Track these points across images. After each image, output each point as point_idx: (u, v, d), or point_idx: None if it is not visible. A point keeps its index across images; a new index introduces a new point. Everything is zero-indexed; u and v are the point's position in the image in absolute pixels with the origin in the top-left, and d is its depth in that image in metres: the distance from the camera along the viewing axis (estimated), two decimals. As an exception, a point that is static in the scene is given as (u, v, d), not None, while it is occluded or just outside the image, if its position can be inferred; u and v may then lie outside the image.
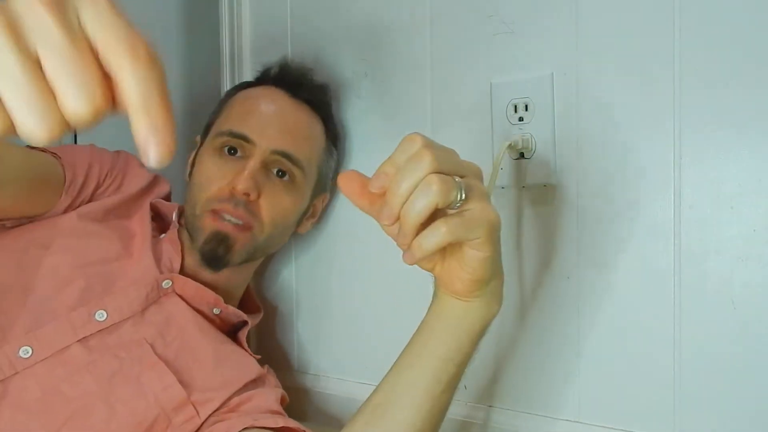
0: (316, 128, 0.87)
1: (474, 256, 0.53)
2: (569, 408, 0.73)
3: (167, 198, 0.91)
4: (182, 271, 0.82)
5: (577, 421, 0.72)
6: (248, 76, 1.05)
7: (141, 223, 0.85)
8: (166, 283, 0.79)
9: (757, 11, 0.61)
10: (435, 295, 0.61)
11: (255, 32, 1.05)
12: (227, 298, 0.85)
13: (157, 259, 0.81)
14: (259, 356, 0.86)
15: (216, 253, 0.80)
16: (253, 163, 0.80)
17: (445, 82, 0.82)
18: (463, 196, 0.49)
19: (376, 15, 0.89)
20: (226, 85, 1.05)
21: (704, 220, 0.64)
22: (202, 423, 0.74)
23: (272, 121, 0.84)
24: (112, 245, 0.80)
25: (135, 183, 0.87)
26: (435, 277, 0.59)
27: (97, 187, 0.83)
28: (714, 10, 0.63)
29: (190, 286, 0.81)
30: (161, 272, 0.80)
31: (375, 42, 0.89)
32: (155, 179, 0.90)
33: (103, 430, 0.69)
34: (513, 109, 0.75)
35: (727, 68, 0.62)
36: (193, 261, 0.83)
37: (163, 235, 0.86)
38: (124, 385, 0.72)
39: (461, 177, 0.50)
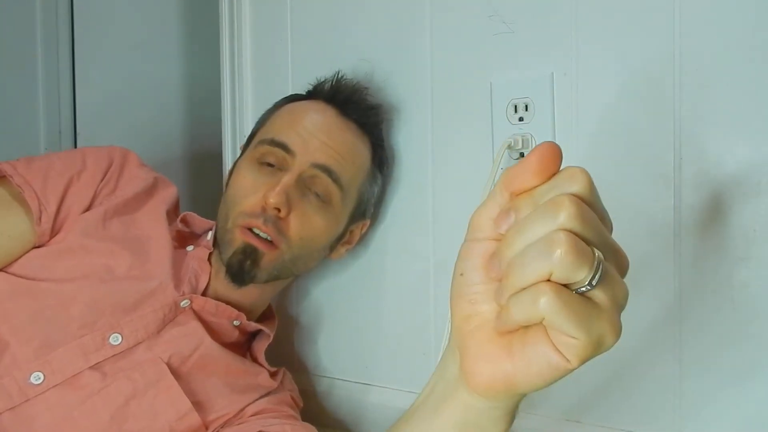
0: (362, 150, 0.83)
1: (547, 357, 0.36)
2: (570, 408, 0.73)
3: (176, 204, 0.88)
4: (206, 292, 0.80)
5: (578, 421, 0.72)
6: (248, 76, 1.05)
7: (155, 225, 0.82)
8: (184, 303, 0.77)
9: (757, 11, 0.61)
10: (456, 387, 0.41)
11: (255, 33, 1.05)
12: (249, 316, 0.83)
13: (177, 275, 0.79)
14: (274, 369, 0.84)
15: (243, 267, 0.77)
16: (288, 178, 0.76)
17: (445, 82, 0.82)
18: (596, 282, 0.34)
19: (376, 15, 0.89)
20: (227, 85, 1.05)
21: (704, 220, 0.64)
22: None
23: (316, 134, 0.79)
24: (121, 260, 0.77)
25: (132, 185, 0.83)
26: (458, 351, 0.41)
27: (95, 197, 0.80)
28: (714, 10, 0.63)
29: (210, 305, 0.79)
30: (181, 290, 0.78)
31: (375, 42, 0.89)
32: (156, 181, 0.86)
33: None
34: (513, 109, 0.75)
35: (727, 68, 0.62)
36: (220, 284, 0.80)
37: (189, 247, 0.84)
38: (137, 413, 0.70)
39: (602, 255, 0.35)
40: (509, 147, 0.73)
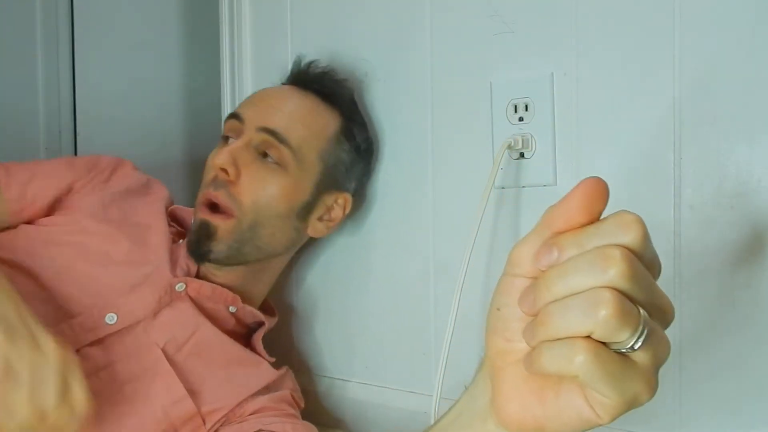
0: (322, 116, 0.83)
1: (578, 409, 0.35)
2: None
3: (169, 204, 0.89)
4: (198, 276, 0.81)
5: (578, 421, 0.72)
6: (248, 76, 1.05)
7: (155, 217, 0.84)
8: (179, 287, 0.78)
9: (757, 11, 0.61)
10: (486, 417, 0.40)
11: (255, 32, 1.05)
12: (244, 300, 0.84)
13: (173, 261, 0.80)
14: (273, 359, 0.85)
15: (199, 244, 0.77)
16: (236, 142, 0.78)
17: (445, 82, 0.82)
18: (638, 346, 0.33)
19: (376, 15, 0.89)
20: (227, 85, 1.05)
21: (704, 220, 0.64)
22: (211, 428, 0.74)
23: (267, 100, 0.82)
24: (119, 245, 0.79)
25: (127, 180, 0.86)
26: (491, 378, 0.40)
27: (81, 181, 0.84)
28: (714, 10, 0.63)
29: (206, 288, 0.79)
30: (176, 275, 0.79)
31: (375, 42, 0.89)
32: (151, 182, 0.89)
33: None
34: (513, 109, 0.75)
35: (727, 68, 0.62)
36: (208, 272, 0.82)
37: (182, 240, 0.85)
38: (132, 397, 0.71)
39: (649, 313, 0.34)
40: (509, 147, 0.73)
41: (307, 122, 0.81)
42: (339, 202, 0.85)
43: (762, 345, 0.61)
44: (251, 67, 1.05)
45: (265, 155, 0.79)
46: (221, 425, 0.74)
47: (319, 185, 0.82)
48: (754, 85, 0.61)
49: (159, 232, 0.82)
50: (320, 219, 0.84)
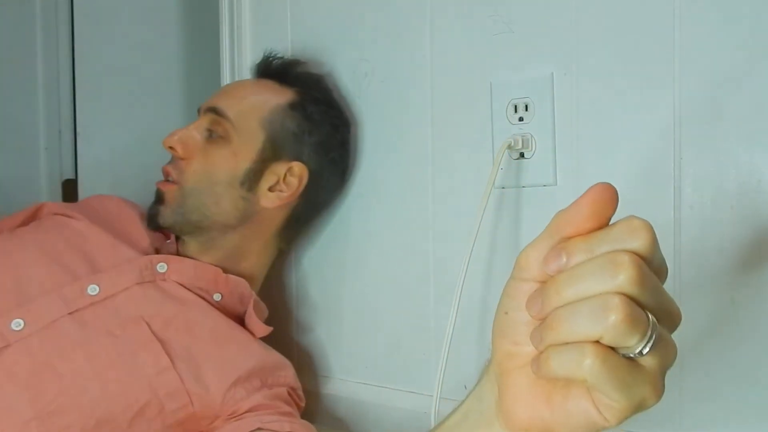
0: (268, 90, 0.87)
1: (586, 413, 0.35)
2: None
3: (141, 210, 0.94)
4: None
5: (578, 421, 0.72)
6: (248, 75, 1.05)
7: (131, 215, 0.90)
8: (161, 267, 0.81)
9: (757, 11, 0.61)
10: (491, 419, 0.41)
11: (255, 32, 1.05)
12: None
13: (153, 245, 0.85)
14: (271, 328, 0.87)
15: (154, 209, 0.84)
16: (188, 126, 0.85)
17: (445, 82, 0.82)
18: (646, 351, 0.34)
19: (376, 15, 0.89)
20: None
21: (704, 220, 0.64)
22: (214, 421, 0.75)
23: (222, 89, 0.91)
24: (99, 232, 0.83)
25: (97, 197, 0.97)
26: (497, 386, 0.40)
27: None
28: (714, 10, 0.63)
29: (188, 266, 0.83)
30: (154, 249, 0.84)
31: (375, 42, 0.89)
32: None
33: (92, 410, 0.70)
34: (513, 109, 0.75)
35: (727, 68, 0.62)
36: (188, 246, 0.86)
37: (168, 240, 0.90)
38: (117, 364, 0.72)
39: (657, 319, 0.35)
40: (509, 147, 0.73)
41: (250, 96, 0.87)
42: (294, 171, 0.85)
43: (762, 345, 0.61)
44: (251, 68, 1.05)
45: (211, 134, 0.84)
46: (216, 421, 0.74)
47: (263, 153, 0.84)
48: (754, 85, 0.61)
49: (135, 222, 0.88)
50: (271, 189, 0.85)
